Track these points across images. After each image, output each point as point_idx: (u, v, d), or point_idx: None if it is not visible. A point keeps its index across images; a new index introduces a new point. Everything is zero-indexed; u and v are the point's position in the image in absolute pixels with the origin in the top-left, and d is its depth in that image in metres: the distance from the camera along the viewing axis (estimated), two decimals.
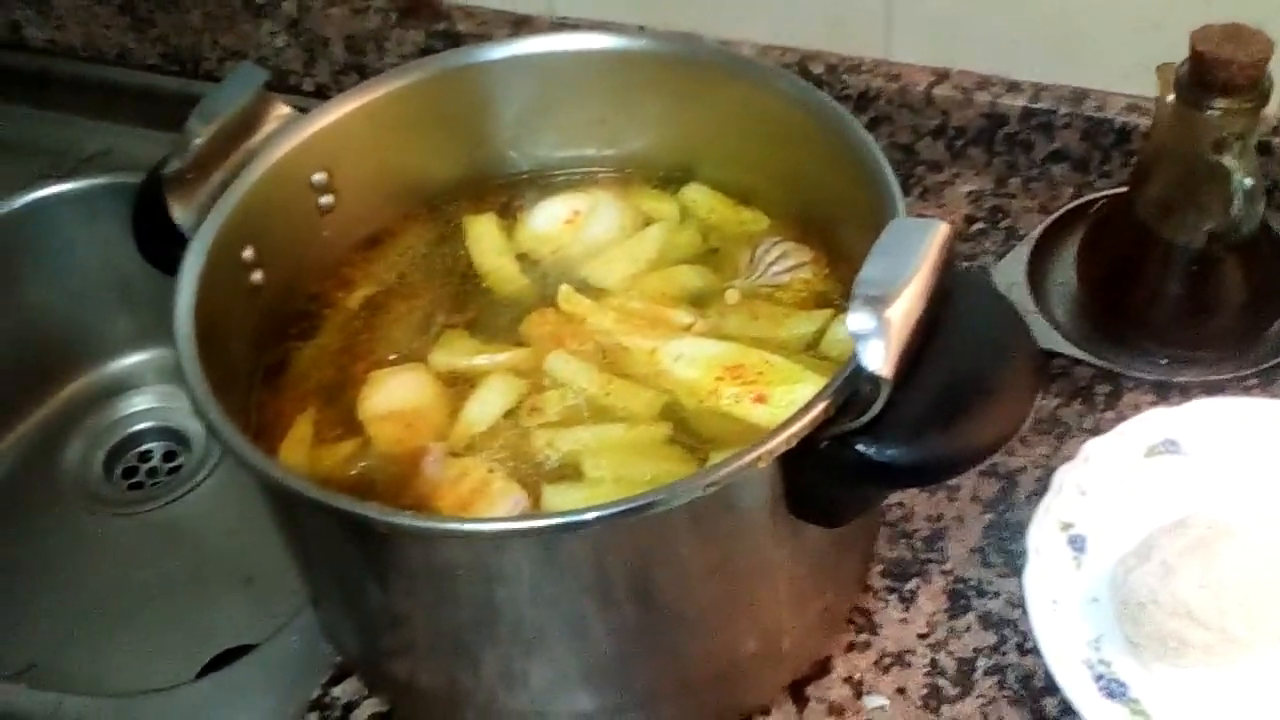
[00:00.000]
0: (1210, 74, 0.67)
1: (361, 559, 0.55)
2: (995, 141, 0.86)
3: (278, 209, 0.63)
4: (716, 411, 0.59)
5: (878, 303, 0.48)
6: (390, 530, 0.51)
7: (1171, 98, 0.70)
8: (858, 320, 0.47)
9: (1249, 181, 0.68)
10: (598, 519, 0.49)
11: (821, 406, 0.49)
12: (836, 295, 0.64)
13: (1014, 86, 0.84)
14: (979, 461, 0.51)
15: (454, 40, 0.95)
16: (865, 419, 0.49)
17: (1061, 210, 0.82)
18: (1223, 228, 0.71)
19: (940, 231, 0.50)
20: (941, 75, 0.86)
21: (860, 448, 0.49)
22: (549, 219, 0.69)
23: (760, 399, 0.59)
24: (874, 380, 0.48)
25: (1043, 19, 0.82)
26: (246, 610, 0.85)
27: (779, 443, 0.49)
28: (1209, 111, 0.68)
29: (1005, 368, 0.51)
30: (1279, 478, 0.66)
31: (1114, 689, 0.60)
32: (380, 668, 0.63)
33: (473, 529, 0.51)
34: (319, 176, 0.65)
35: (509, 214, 0.70)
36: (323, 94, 0.98)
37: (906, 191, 0.74)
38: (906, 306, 0.48)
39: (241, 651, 0.73)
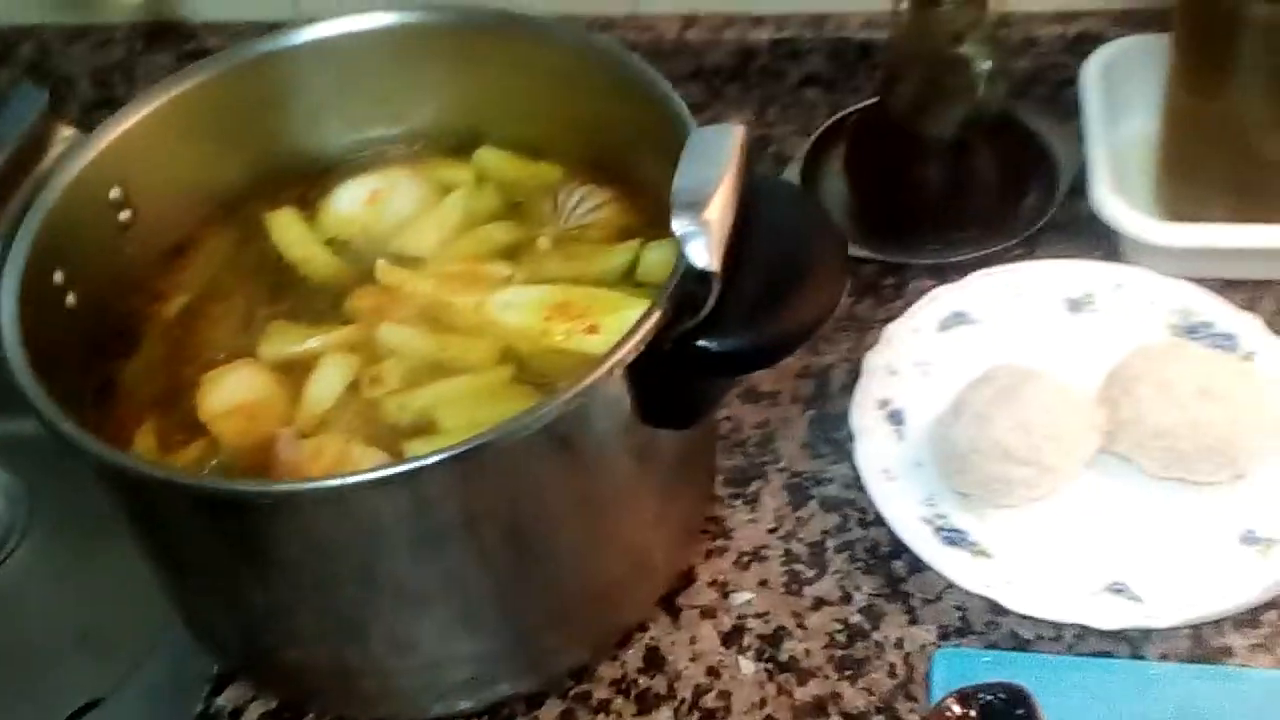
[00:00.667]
0: None
1: (238, 545, 0.55)
2: (749, 75, 0.91)
3: (80, 230, 0.63)
4: (552, 349, 0.62)
5: (696, 206, 0.51)
6: (264, 499, 0.52)
7: (905, 5, 0.77)
8: (681, 224, 0.51)
9: (988, 64, 0.75)
10: (465, 451, 0.51)
11: (659, 313, 0.53)
12: (639, 226, 0.67)
13: (758, 21, 0.90)
14: (807, 338, 0.55)
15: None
16: (701, 315, 0.52)
17: (821, 129, 0.87)
18: (971, 114, 0.77)
19: (737, 134, 0.54)
20: (689, 21, 0.90)
21: (701, 343, 0.53)
22: (350, 201, 0.70)
23: (592, 329, 0.62)
24: (704, 277, 0.52)
25: None
26: (90, 666, 0.84)
27: (626, 351, 0.52)
28: (942, 7, 0.74)
29: (817, 251, 0.56)
30: (1055, 326, 0.73)
31: (954, 537, 0.65)
32: (266, 662, 0.63)
33: (346, 482, 0.51)
34: (115, 193, 0.65)
35: (308, 204, 0.71)
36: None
37: None
38: (721, 205, 0.52)
39: (95, 705, 0.72)
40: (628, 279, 0.65)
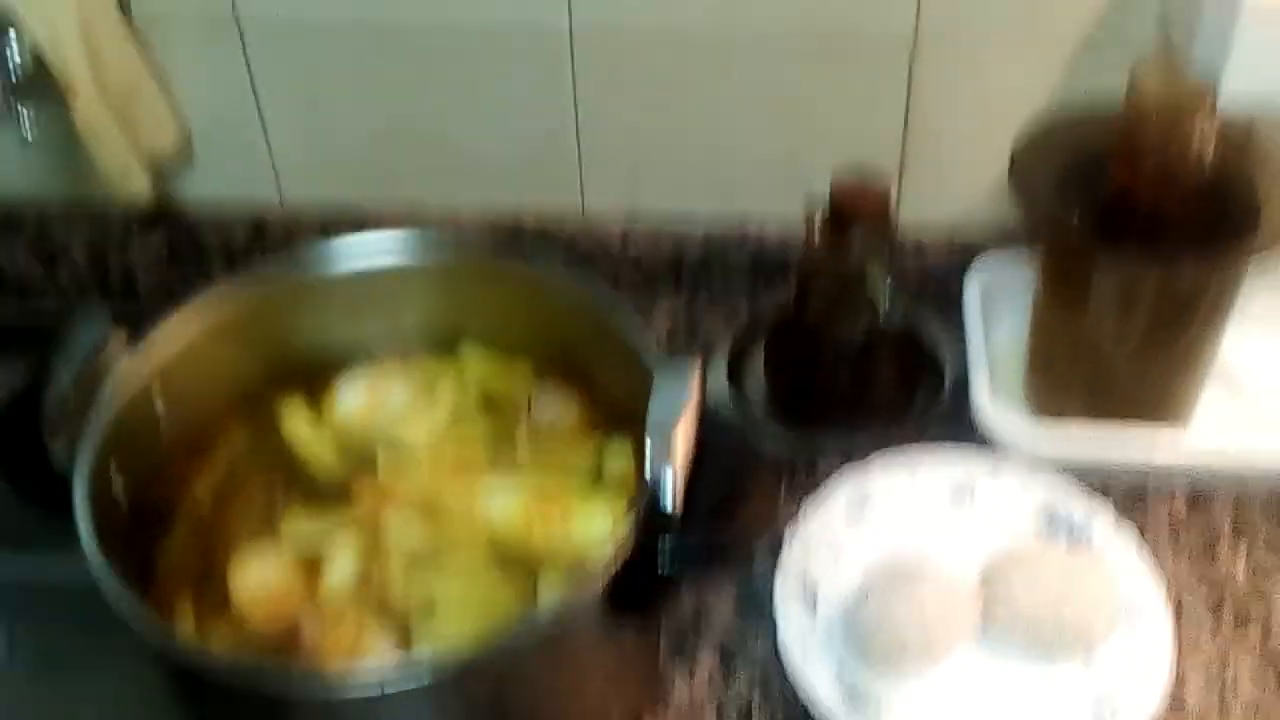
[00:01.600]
0: (847, 211, 0.88)
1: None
2: (682, 269, 1.05)
3: (128, 425, 0.73)
4: (533, 538, 0.74)
5: (668, 430, 0.64)
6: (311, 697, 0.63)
7: (818, 219, 0.91)
8: (659, 447, 0.63)
9: (889, 285, 0.89)
10: (477, 656, 0.62)
11: (630, 537, 0.65)
12: (600, 420, 0.80)
13: (691, 227, 1.03)
14: (750, 548, 0.68)
15: (196, 240, 1.06)
16: (669, 523, 0.65)
17: (743, 323, 1.01)
18: (875, 322, 0.92)
19: (696, 365, 0.67)
20: (630, 220, 1.04)
21: (662, 548, 0.66)
22: (353, 397, 0.82)
23: (565, 519, 0.75)
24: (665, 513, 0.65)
25: (706, 162, 1.01)
26: None
27: (605, 574, 0.64)
28: (852, 237, 0.88)
29: (756, 477, 0.69)
30: (941, 510, 0.87)
31: (855, 696, 0.78)
32: None
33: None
34: (154, 391, 0.76)
35: (314, 394, 0.82)
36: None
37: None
38: (686, 430, 0.65)
39: None
40: (594, 471, 0.78)
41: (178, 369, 0.77)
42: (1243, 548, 0.88)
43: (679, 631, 0.84)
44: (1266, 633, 0.83)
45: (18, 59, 0.88)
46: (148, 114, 0.97)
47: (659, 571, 0.67)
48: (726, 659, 0.83)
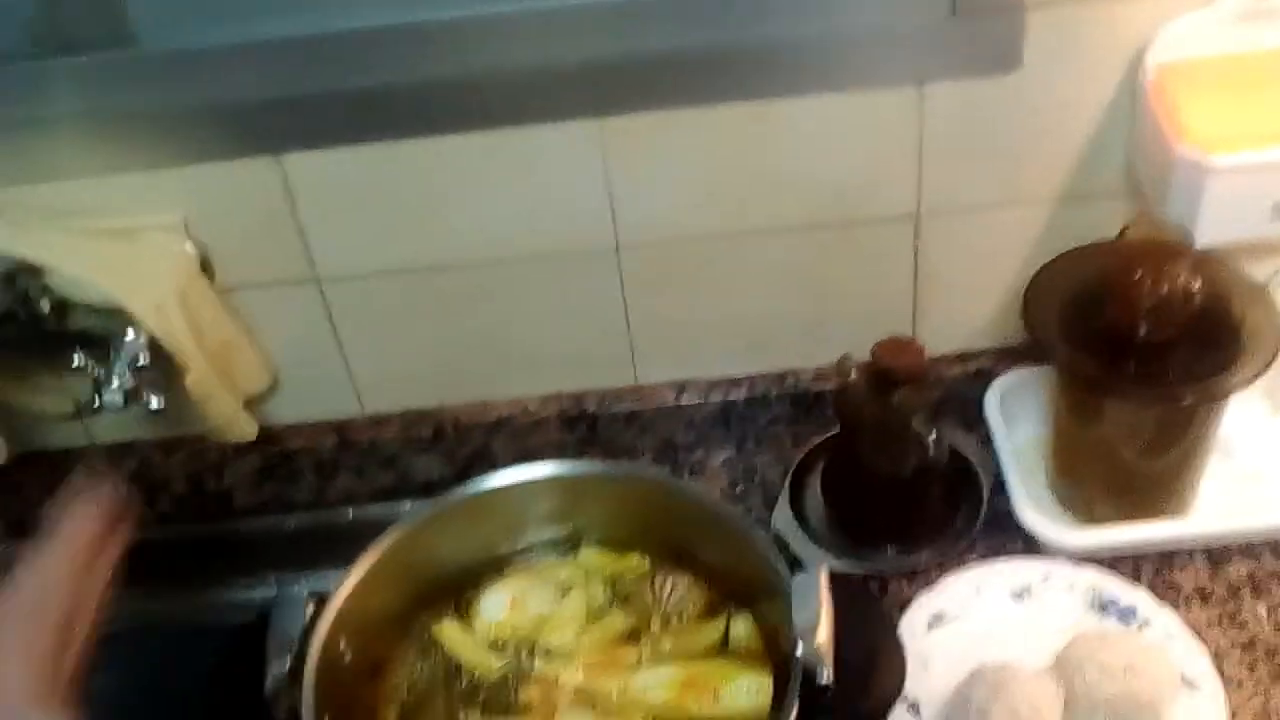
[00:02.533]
0: (889, 374, 1.01)
1: None
2: (731, 422, 1.18)
3: (327, 677, 0.85)
4: (688, 716, 0.87)
5: (813, 634, 0.77)
6: None
7: (854, 375, 1.04)
8: (810, 650, 0.76)
9: (934, 434, 1.03)
10: None
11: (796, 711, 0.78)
12: (717, 600, 0.93)
13: (736, 382, 1.17)
14: (892, 705, 0.81)
15: (287, 458, 1.17)
16: (821, 707, 0.78)
17: (795, 462, 1.15)
18: (922, 462, 1.05)
19: (824, 573, 0.80)
20: (680, 387, 1.17)
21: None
22: (497, 608, 0.94)
23: (715, 698, 0.87)
24: (824, 687, 0.78)
25: (741, 332, 1.14)
26: None
27: None
28: (895, 398, 1.02)
29: (886, 647, 0.82)
30: (1007, 614, 1.01)
31: None
32: None
33: None
34: (342, 644, 0.87)
35: (461, 610, 0.94)
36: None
37: (678, 474, 1.09)
38: (827, 629, 0.78)
39: None
40: (724, 648, 0.91)
41: (353, 612, 0.88)
42: (1260, 595, 1.02)
43: None
44: None
45: (140, 352, 0.99)
46: (244, 365, 1.08)
47: None
48: None
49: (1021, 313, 1.00)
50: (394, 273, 1.08)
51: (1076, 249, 1.03)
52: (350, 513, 1.16)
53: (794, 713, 0.78)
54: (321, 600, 0.85)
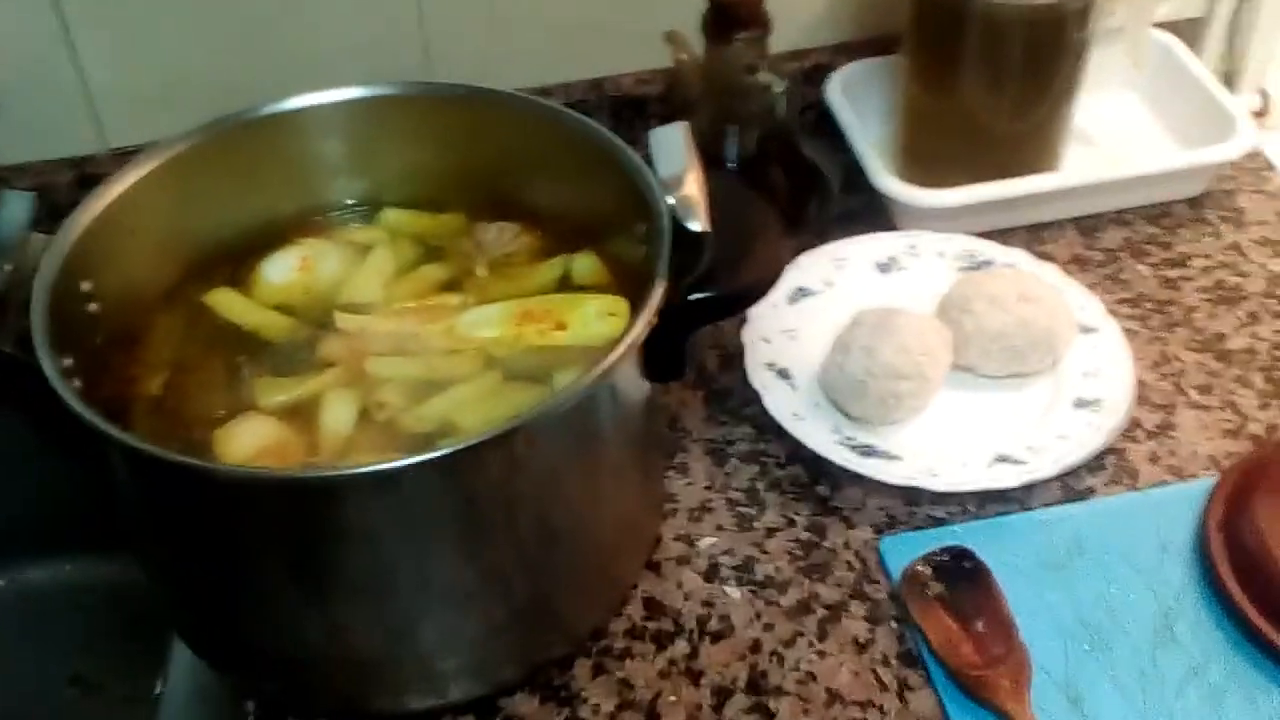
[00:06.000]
0: (730, 16, 0.89)
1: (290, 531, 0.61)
2: None
3: (66, 317, 0.66)
4: (531, 349, 0.71)
5: (678, 184, 0.63)
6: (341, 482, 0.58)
7: (685, 56, 0.92)
8: (682, 200, 0.62)
9: (782, 87, 0.91)
10: (513, 429, 0.59)
11: (664, 281, 0.63)
12: (552, 245, 0.78)
13: (545, 92, 1.02)
14: (775, 283, 0.67)
15: None
16: (699, 272, 0.64)
17: None
18: (770, 134, 0.93)
19: (685, 130, 0.67)
20: None
21: (696, 295, 0.64)
22: (283, 270, 0.77)
23: (560, 326, 0.72)
24: (696, 241, 0.63)
25: (552, 28, 1.00)
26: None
27: (649, 318, 0.62)
28: (736, 43, 0.89)
29: (763, 219, 0.69)
30: (875, 286, 0.89)
31: (868, 451, 0.79)
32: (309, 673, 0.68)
33: (410, 462, 0.57)
34: (86, 286, 0.69)
35: (238, 282, 0.77)
36: None
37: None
38: (695, 182, 0.64)
39: None
40: (565, 287, 0.76)
41: (99, 253, 0.70)
42: (1140, 259, 0.93)
43: (663, 446, 0.82)
44: (1190, 322, 0.89)
45: None
46: None
47: (693, 321, 0.65)
48: (717, 457, 0.82)
49: None
50: None
51: None
52: None
53: (665, 274, 0.63)
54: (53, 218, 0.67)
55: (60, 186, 0.98)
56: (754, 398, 0.82)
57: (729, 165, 0.94)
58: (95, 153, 0.99)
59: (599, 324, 0.72)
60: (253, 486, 0.59)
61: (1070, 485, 0.79)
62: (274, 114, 0.76)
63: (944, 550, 0.73)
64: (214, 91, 0.93)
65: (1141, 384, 0.84)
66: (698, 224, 0.63)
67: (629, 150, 0.70)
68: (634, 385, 0.66)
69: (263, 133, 0.76)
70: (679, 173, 0.64)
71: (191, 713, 0.75)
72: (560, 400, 0.61)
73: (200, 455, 0.67)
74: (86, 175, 0.97)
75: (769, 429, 0.82)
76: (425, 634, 0.67)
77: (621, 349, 0.61)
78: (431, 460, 0.58)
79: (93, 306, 0.70)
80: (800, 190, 0.98)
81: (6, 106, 0.95)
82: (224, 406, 0.70)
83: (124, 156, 0.94)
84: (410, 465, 0.58)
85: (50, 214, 0.93)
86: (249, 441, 0.68)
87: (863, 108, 1.01)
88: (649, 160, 0.67)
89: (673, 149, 0.66)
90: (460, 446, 0.58)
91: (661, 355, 0.66)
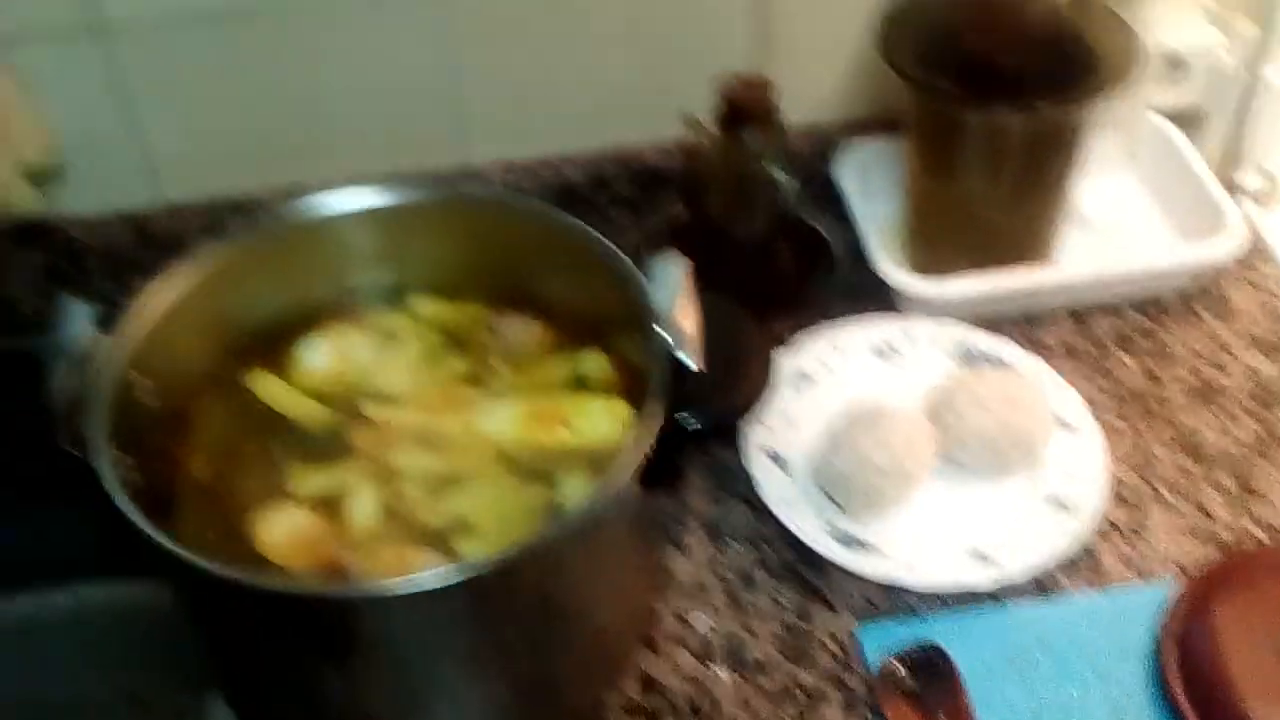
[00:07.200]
0: (739, 111, 0.94)
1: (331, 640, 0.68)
2: (569, 204, 1.08)
3: (122, 414, 0.73)
4: (539, 448, 0.78)
5: (675, 319, 0.69)
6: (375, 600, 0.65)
7: (701, 135, 0.97)
8: (676, 335, 0.68)
9: (786, 177, 0.96)
10: (536, 543, 0.65)
11: (659, 409, 0.69)
12: (564, 339, 0.84)
13: (569, 162, 1.08)
14: (759, 404, 0.73)
15: (76, 258, 1.04)
16: (687, 400, 0.70)
17: (638, 240, 1.07)
18: (776, 219, 0.98)
19: (683, 264, 0.72)
20: (511, 167, 1.08)
21: (687, 420, 0.70)
22: (320, 358, 0.83)
23: (566, 426, 0.78)
24: (687, 372, 0.69)
25: (578, 100, 1.06)
26: None
27: (646, 446, 0.68)
28: (746, 136, 0.95)
29: (751, 344, 0.74)
30: (871, 371, 0.95)
31: (849, 541, 0.85)
32: None
33: (440, 582, 0.63)
34: (139, 380, 0.75)
35: (272, 363, 0.83)
36: None
37: None
38: (689, 316, 0.70)
39: None
40: (574, 384, 0.82)
41: (149, 351, 0.76)
42: (1127, 351, 0.98)
43: (665, 522, 0.88)
44: (1170, 417, 0.94)
45: None
46: (17, 125, 0.95)
47: (682, 441, 0.71)
48: (715, 536, 0.88)
49: (877, 41, 0.93)
50: (194, 21, 0.96)
51: None
52: None
53: (661, 402, 0.69)
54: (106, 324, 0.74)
55: (118, 239, 1.05)
56: (751, 478, 0.88)
57: (738, 245, 1.00)
58: (151, 205, 1.05)
59: (602, 426, 0.78)
60: (276, 598, 0.66)
61: (1041, 581, 0.85)
62: (312, 216, 0.82)
63: (918, 648, 0.79)
64: (262, 153, 1.00)
65: (1118, 481, 0.89)
66: (691, 359, 0.69)
67: (636, 272, 0.76)
68: (629, 497, 0.72)
69: (301, 232, 0.82)
70: (675, 306, 0.70)
71: None
72: (571, 520, 0.67)
73: (241, 543, 0.74)
74: (144, 231, 1.04)
75: (764, 511, 0.88)
76: (435, 708, 0.73)
77: (617, 475, 0.67)
78: (451, 577, 0.64)
79: (145, 399, 0.76)
80: (806, 265, 1.04)
81: (71, 164, 1.02)
82: (262, 491, 0.76)
83: (177, 210, 1.03)
84: (431, 581, 0.64)
85: (110, 269, 1.01)
86: (283, 530, 0.74)
87: (871, 185, 1.06)
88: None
89: (670, 281, 0.71)
90: (476, 573, 0.64)
91: (655, 469, 0.72)
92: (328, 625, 0.67)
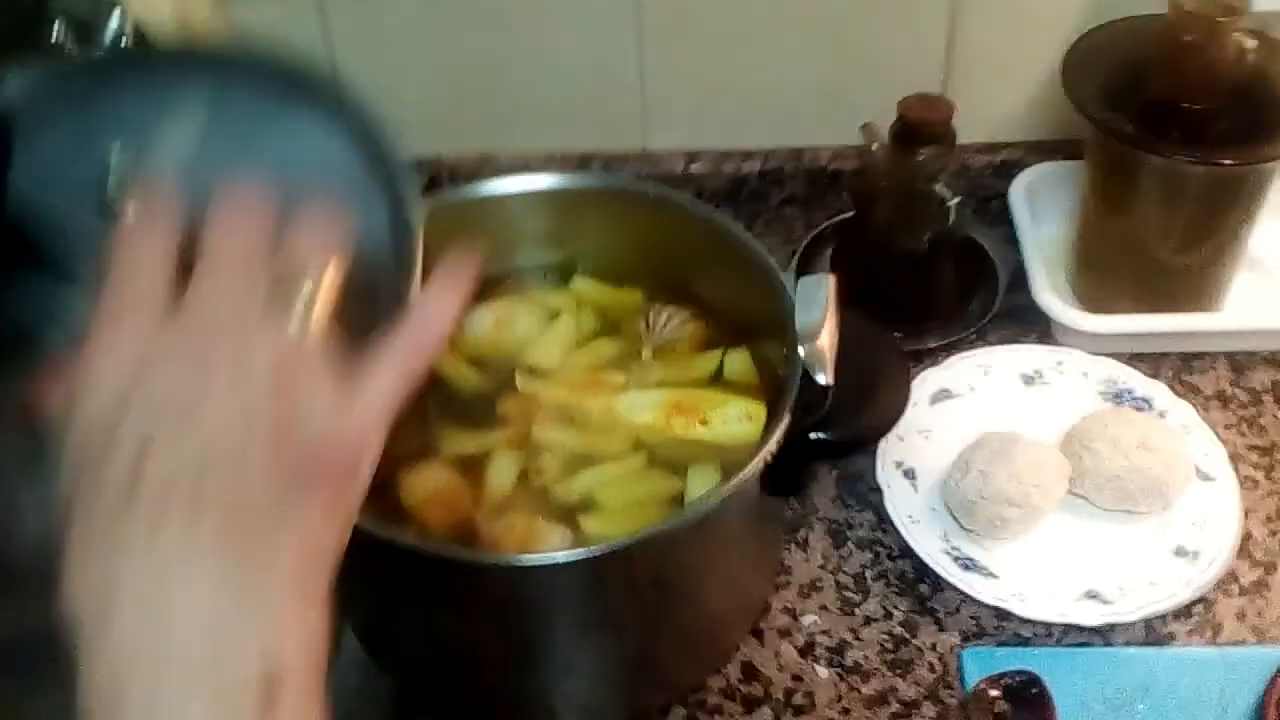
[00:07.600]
0: (916, 131, 0.96)
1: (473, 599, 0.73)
2: (741, 198, 1.12)
3: None
4: (675, 439, 0.82)
5: (813, 336, 0.72)
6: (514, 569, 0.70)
7: (877, 146, 0.99)
8: (813, 351, 0.71)
9: (957, 199, 0.97)
10: (659, 532, 0.70)
11: (787, 419, 0.72)
12: (715, 336, 0.88)
13: (748, 155, 1.11)
14: (891, 428, 0.76)
15: None
16: (818, 416, 0.73)
17: (807, 239, 1.09)
18: (940, 236, 1.00)
19: (830, 281, 0.75)
20: (691, 156, 1.11)
21: (815, 435, 0.73)
22: (481, 326, 0.88)
23: (703, 422, 0.82)
24: (821, 388, 0.72)
25: (762, 98, 1.08)
26: None
27: (769, 450, 0.71)
28: (919, 156, 0.96)
29: (889, 366, 0.77)
30: (1016, 396, 0.96)
31: (968, 564, 0.87)
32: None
33: (571, 557, 0.69)
34: None
35: None
36: None
37: None
38: (829, 334, 0.73)
39: None
40: (717, 380, 0.85)
41: None
42: None
43: (790, 519, 0.92)
44: None
45: (124, 39, 0.93)
46: None
47: (811, 456, 0.74)
48: (837, 539, 0.91)
49: (1060, 74, 0.94)
50: None
51: (1123, 19, 0.97)
52: None
53: (788, 415, 0.72)
54: None
55: None
56: (880, 488, 0.91)
57: (900, 256, 1.02)
58: None
59: (737, 425, 0.81)
60: (423, 559, 0.71)
61: (1154, 628, 0.85)
62: (490, 194, 0.87)
63: (1013, 674, 0.81)
64: (450, 120, 1.05)
65: (1248, 536, 0.89)
66: (824, 377, 0.72)
67: (786, 286, 0.78)
68: (752, 496, 0.76)
69: (478, 206, 0.88)
70: (817, 323, 0.73)
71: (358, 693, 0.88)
72: (693, 516, 0.71)
73: (386, 494, 0.79)
74: None
75: (888, 521, 0.90)
76: (548, 673, 0.78)
77: (740, 480, 0.70)
78: (579, 555, 0.69)
79: None
80: (968, 283, 1.05)
81: None
82: (413, 448, 0.82)
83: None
84: (561, 556, 0.69)
85: None
86: (426, 487, 0.80)
87: (1044, 208, 1.06)
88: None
89: (815, 298, 0.74)
90: (606, 550, 0.68)
91: (781, 477, 0.75)
92: (464, 585, 0.72)
